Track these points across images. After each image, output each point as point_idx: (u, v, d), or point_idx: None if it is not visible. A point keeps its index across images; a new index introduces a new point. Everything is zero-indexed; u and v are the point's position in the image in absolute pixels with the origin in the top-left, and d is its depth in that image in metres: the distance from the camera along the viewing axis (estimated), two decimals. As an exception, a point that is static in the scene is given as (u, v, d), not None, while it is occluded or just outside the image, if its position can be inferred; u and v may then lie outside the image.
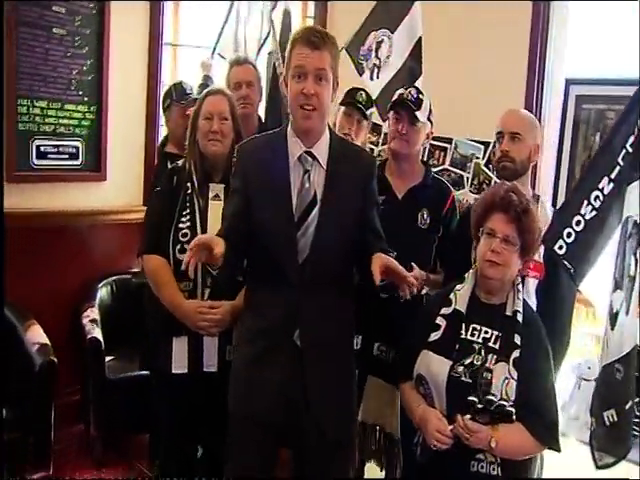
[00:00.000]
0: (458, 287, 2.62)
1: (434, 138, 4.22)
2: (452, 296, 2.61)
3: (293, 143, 2.56)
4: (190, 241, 2.81)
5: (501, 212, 2.52)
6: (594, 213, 2.76)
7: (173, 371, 2.96)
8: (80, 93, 4.54)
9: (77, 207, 4.55)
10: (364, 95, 3.59)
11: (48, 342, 3.66)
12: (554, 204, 3.73)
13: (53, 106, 4.43)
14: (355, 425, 2.80)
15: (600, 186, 2.76)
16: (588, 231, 2.77)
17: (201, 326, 2.84)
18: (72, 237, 4.52)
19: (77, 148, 4.57)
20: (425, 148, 3.83)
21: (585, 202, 2.76)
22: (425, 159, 4.35)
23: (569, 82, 4.10)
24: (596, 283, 2.93)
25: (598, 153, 2.93)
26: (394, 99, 3.20)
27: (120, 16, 4.65)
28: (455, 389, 2.46)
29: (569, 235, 2.77)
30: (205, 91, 3.17)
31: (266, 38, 4.82)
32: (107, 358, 4.08)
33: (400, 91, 3.21)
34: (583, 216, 2.76)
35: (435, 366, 2.51)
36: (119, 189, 4.57)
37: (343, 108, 3.57)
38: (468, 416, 2.40)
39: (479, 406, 2.39)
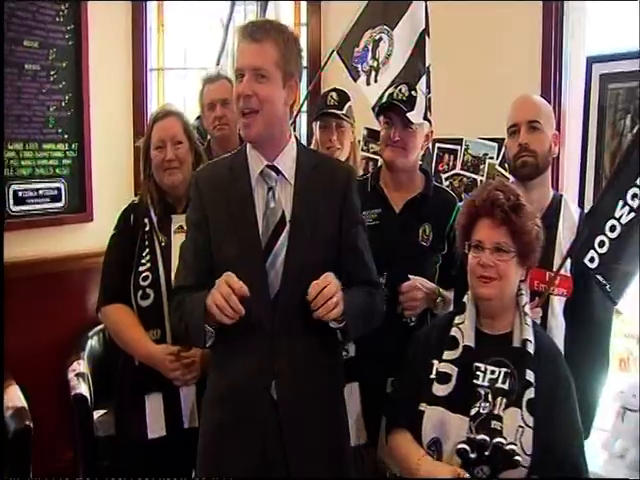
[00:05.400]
0: (458, 320, 2.25)
1: (442, 140, 3.97)
2: (455, 333, 2.21)
3: (253, 158, 2.25)
4: (152, 285, 2.66)
5: (486, 217, 2.18)
6: (632, 215, 2.44)
7: (150, 437, 2.65)
8: (59, 131, 4.28)
9: (63, 252, 4.30)
10: (334, 96, 3.32)
11: (25, 405, 3.40)
12: (581, 205, 3.32)
13: (30, 147, 4.16)
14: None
15: (639, 182, 2.43)
16: (625, 238, 2.44)
17: (175, 376, 2.59)
18: (59, 284, 4.25)
19: (59, 189, 4.30)
20: (428, 152, 3.43)
21: (620, 203, 2.45)
22: (433, 165, 4.03)
23: (591, 60, 3.60)
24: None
25: (634, 141, 2.55)
26: (382, 101, 2.85)
27: (99, 45, 4.42)
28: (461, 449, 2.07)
29: (601, 244, 2.44)
30: (152, 116, 2.88)
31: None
32: (99, 413, 3.83)
33: (389, 91, 2.85)
34: (618, 220, 2.45)
35: (454, 427, 2.10)
36: (107, 228, 4.20)
37: (318, 123, 3.34)
38: (467, 476, 2.02)
39: (472, 456, 2.02)
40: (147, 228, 2.73)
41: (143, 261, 2.69)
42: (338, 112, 3.25)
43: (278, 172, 2.24)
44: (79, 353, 4.05)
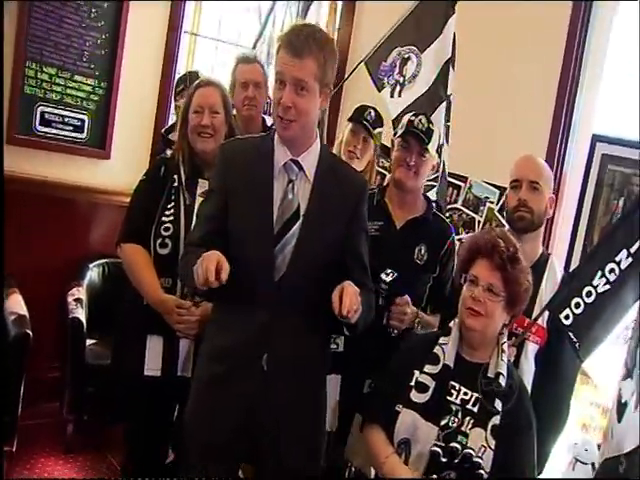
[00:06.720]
0: (443, 340, 2.45)
1: (449, 174, 4.14)
2: (438, 351, 2.43)
3: (279, 149, 2.40)
4: (171, 236, 2.77)
5: (485, 258, 2.37)
6: (607, 287, 2.60)
7: (145, 373, 2.79)
8: (92, 66, 4.42)
9: (76, 181, 4.42)
10: (373, 114, 3.49)
11: (26, 313, 3.53)
12: (567, 267, 3.60)
13: (62, 75, 4.31)
14: (319, 457, 2.59)
15: (617, 259, 2.60)
16: (599, 305, 2.61)
17: (179, 328, 2.72)
18: (68, 211, 4.40)
19: (83, 121, 4.43)
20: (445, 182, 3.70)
21: (599, 273, 2.61)
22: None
23: (596, 138, 3.89)
24: (600, 363, 2.76)
25: (619, 222, 2.79)
26: (403, 126, 2.99)
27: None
28: (430, 456, 2.30)
29: (577, 305, 2.62)
30: (195, 83, 3.02)
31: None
32: (89, 341, 3.97)
33: (409, 117, 3.00)
34: (595, 288, 2.61)
35: (423, 432, 2.33)
36: (122, 170, 4.43)
37: (350, 124, 3.51)
38: (434, 476, 2.26)
39: (443, 460, 2.25)
40: (175, 184, 2.86)
41: (167, 212, 2.82)
42: (371, 129, 3.44)
43: (300, 168, 2.38)
44: (79, 280, 4.19)
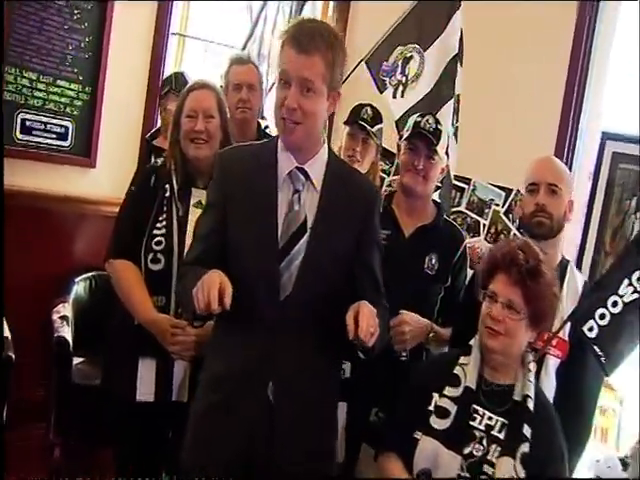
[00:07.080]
0: (463, 360, 2.28)
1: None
2: (459, 372, 2.25)
3: (283, 157, 2.21)
4: (164, 251, 2.63)
5: (504, 273, 2.20)
6: (635, 296, 2.47)
7: (138, 399, 2.63)
8: (75, 70, 4.24)
9: (60, 191, 4.25)
10: (369, 111, 3.29)
11: (8, 335, 3.31)
12: (578, 270, 3.45)
13: (44, 79, 4.14)
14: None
15: None
16: (626, 315, 2.47)
17: (174, 349, 2.55)
18: (52, 222, 4.22)
19: (66, 128, 4.26)
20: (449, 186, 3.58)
21: (626, 281, 2.48)
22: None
23: (606, 136, 3.79)
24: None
25: None
26: (410, 128, 2.86)
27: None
28: None
29: (602, 317, 2.47)
30: (188, 85, 2.86)
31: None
32: (77, 360, 3.80)
33: (416, 118, 2.87)
34: (621, 297, 2.47)
35: (445, 462, 2.14)
36: (108, 179, 4.29)
37: (347, 128, 3.32)
38: None
39: None
40: (167, 194, 2.69)
41: (159, 225, 2.65)
42: (369, 128, 3.26)
43: (307, 176, 2.21)
44: (65, 296, 4.02)
